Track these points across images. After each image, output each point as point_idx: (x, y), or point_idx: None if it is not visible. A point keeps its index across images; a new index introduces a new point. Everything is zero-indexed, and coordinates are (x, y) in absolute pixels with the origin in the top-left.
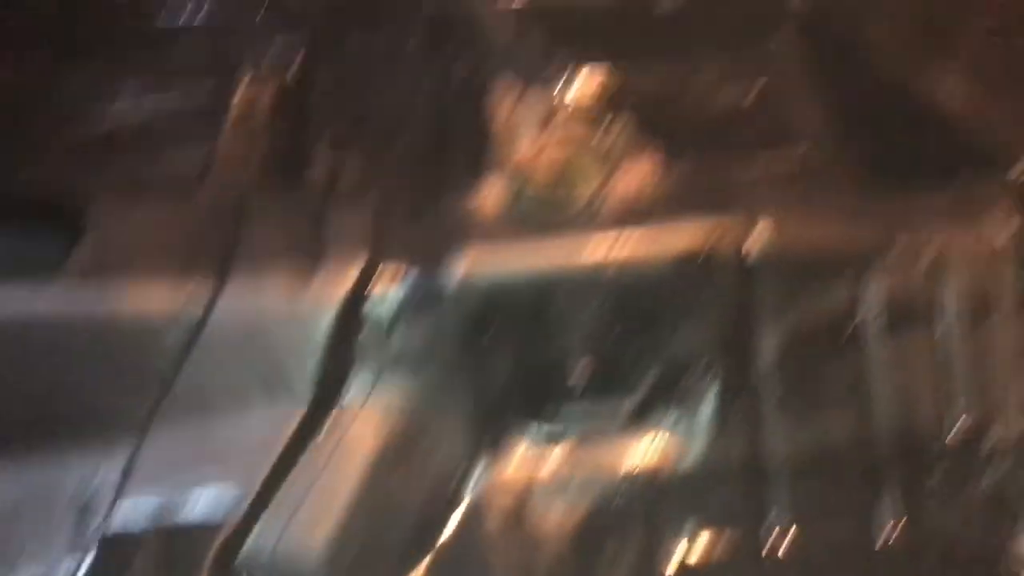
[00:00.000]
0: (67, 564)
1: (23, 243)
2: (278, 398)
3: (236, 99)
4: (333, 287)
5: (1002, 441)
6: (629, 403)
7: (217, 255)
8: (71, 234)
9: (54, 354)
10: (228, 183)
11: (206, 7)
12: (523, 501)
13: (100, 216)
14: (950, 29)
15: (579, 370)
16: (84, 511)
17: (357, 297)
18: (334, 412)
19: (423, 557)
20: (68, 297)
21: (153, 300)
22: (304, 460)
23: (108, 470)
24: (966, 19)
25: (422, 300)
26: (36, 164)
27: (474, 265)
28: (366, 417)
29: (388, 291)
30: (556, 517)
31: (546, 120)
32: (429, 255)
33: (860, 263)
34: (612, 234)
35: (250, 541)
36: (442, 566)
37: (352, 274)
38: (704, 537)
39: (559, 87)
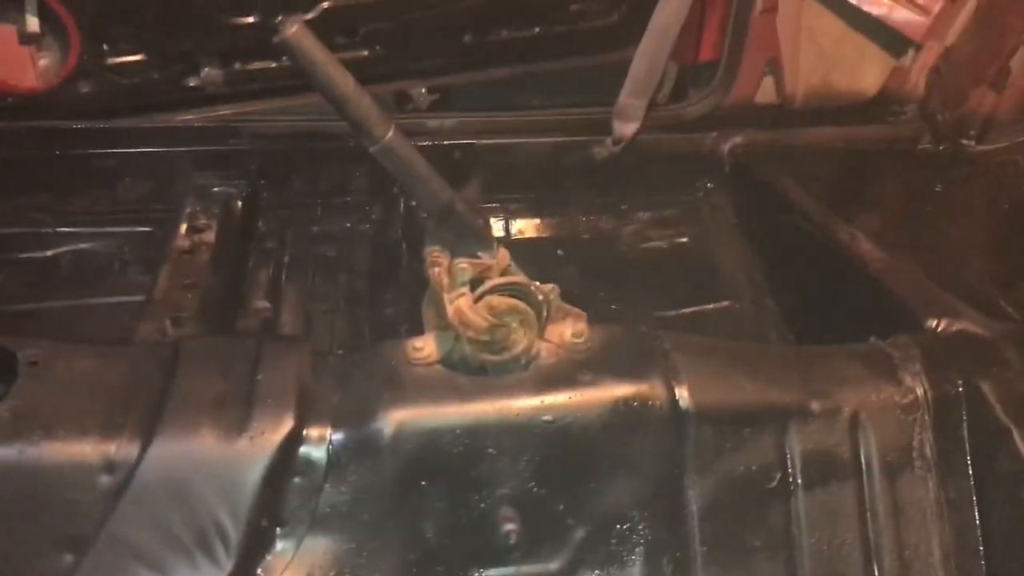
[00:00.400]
0: None
1: None
2: (205, 553)
3: (175, 244)
4: (262, 444)
5: None
6: (557, 563)
7: (147, 408)
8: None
9: None
10: (162, 332)
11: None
12: None
13: (29, 365)
14: (868, 187)
15: (505, 529)
16: None
17: (285, 456)
18: (266, 561)
19: None
20: None
21: (76, 456)
22: None
23: None
24: (883, 177)
25: (350, 458)
26: None
27: (404, 421)
28: (297, 570)
29: (316, 449)
30: None
31: (480, 275)
32: (359, 413)
33: (782, 418)
34: (541, 391)
35: None
36: None
37: (281, 431)
38: None
39: (494, 237)
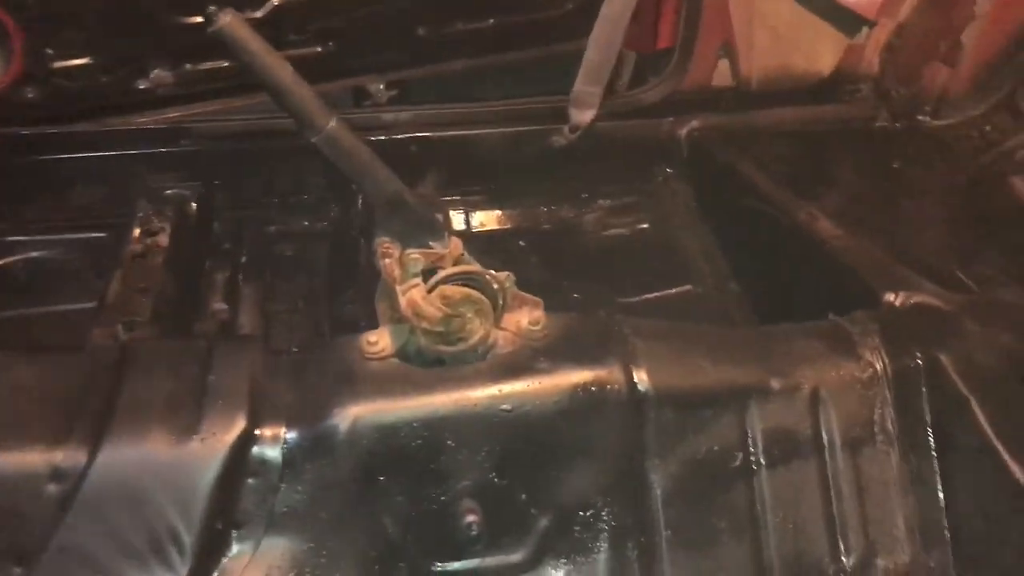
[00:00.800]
0: None
1: None
2: (159, 558)
3: (128, 248)
4: (213, 446)
5: (890, 572)
6: (521, 554)
7: (95, 414)
8: None
9: None
10: (114, 337)
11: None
12: None
13: None
14: (826, 167)
15: (467, 521)
16: None
17: (237, 456)
18: (223, 563)
19: None
20: None
21: (22, 466)
22: None
23: None
24: (840, 155)
25: (306, 456)
26: None
27: (360, 416)
28: (255, 570)
29: (270, 449)
30: None
31: (433, 265)
32: (313, 411)
33: (742, 398)
34: (498, 380)
35: None
36: None
37: (233, 432)
38: None
39: (446, 227)
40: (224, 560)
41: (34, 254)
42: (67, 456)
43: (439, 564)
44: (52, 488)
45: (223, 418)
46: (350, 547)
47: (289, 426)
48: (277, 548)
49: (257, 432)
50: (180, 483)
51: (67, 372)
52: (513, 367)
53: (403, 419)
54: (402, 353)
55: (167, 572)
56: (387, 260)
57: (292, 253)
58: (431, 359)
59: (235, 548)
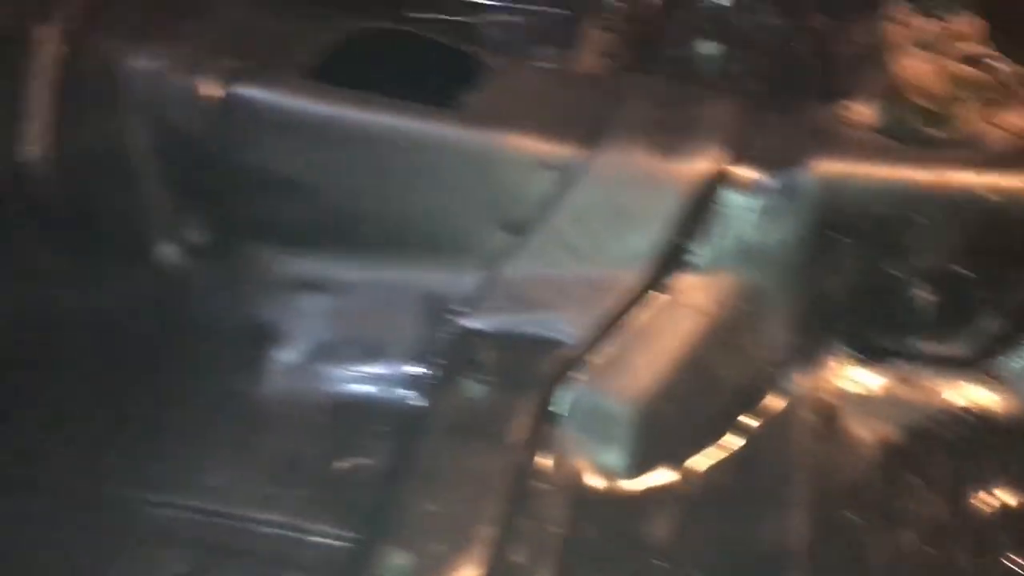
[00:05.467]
0: (421, 353)
1: (427, 75)
2: (628, 252)
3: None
4: (690, 172)
5: None
6: (961, 349)
7: (592, 122)
8: (468, 77)
9: (433, 175)
10: (608, 64)
11: None
12: (834, 409)
13: (492, 71)
14: None
15: (918, 301)
16: (439, 313)
17: (710, 184)
18: (674, 277)
19: (730, 434)
20: (457, 130)
21: (529, 150)
22: (640, 311)
23: (465, 283)
24: None
25: (770, 199)
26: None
27: (833, 173)
28: (701, 289)
29: (739, 185)
30: (864, 432)
31: (933, 46)
32: (785, 159)
33: None
34: (988, 169)
35: (579, 373)
36: (747, 447)
37: (711, 161)
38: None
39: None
40: (678, 274)
41: (507, 18)
42: (567, 151)
43: (874, 339)
44: (549, 175)
45: (704, 147)
46: (789, 296)
47: (761, 168)
48: (724, 277)
49: (731, 167)
50: (655, 195)
51: (568, 86)
52: (1005, 161)
53: (877, 185)
54: (884, 129)
55: (629, 268)
56: (893, 25)
57: None
58: (914, 138)
59: (689, 266)
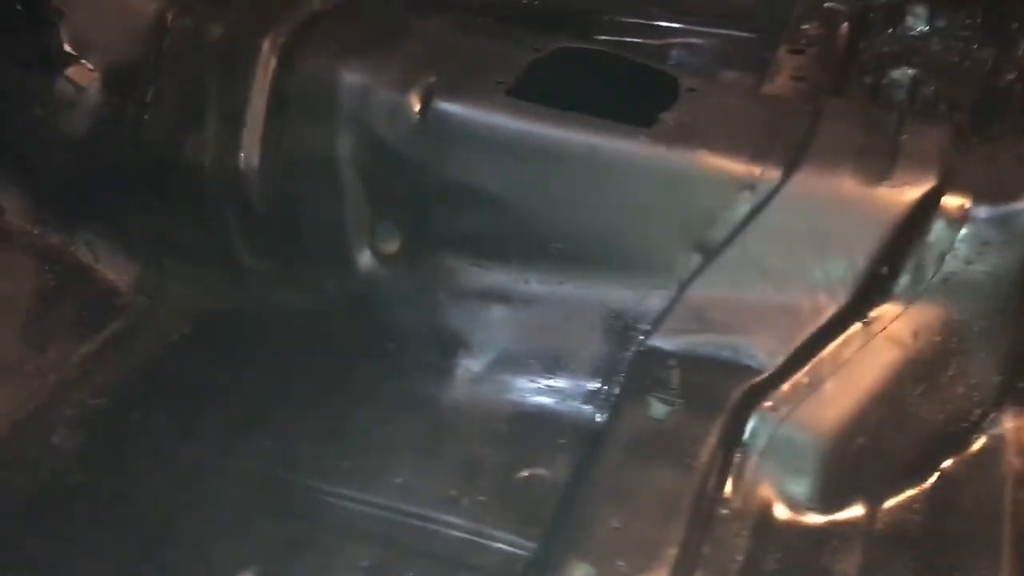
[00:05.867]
0: (603, 369)
1: (623, 94)
2: (827, 280)
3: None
4: (897, 198)
5: None
6: None
7: (791, 145)
8: (663, 97)
9: (627, 192)
10: (801, 87)
11: None
12: None
13: (688, 91)
14: None
15: None
16: (623, 330)
17: (920, 212)
18: (876, 308)
19: (928, 475)
20: (653, 148)
21: (725, 169)
22: (838, 342)
23: (652, 301)
24: None
25: (985, 233)
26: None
27: None
28: (905, 322)
29: (951, 215)
30: None
31: None
32: (1003, 191)
33: None
34: None
35: (769, 400)
36: (945, 489)
37: (922, 187)
38: None
39: None
40: (881, 305)
41: (691, 40)
42: (764, 172)
43: None
44: (746, 195)
45: (914, 173)
46: (994, 333)
47: (976, 199)
48: (930, 311)
49: (943, 195)
50: (860, 220)
51: (765, 107)
52: None
53: None
54: None
55: (827, 296)
56: None
57: None
58: None
59: (892, 297)
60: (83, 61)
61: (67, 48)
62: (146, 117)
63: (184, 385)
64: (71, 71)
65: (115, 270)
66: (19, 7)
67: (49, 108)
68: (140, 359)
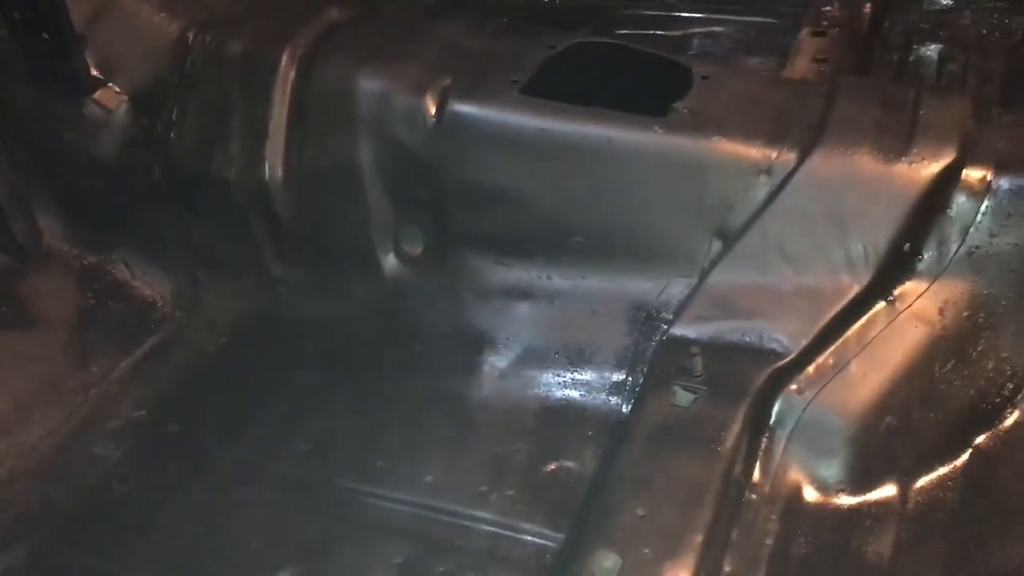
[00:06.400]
0: (627, 360)
1: (639, 87)
2: (848, 260)
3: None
4: (916, 174)
5: None
6: None
7: (807, 127)
8: (679, 87)
9: (645, 183)
10: (823, 69)
11: None
12: None
13: (702, 79)
14: None
15: None
16: (646, 321)
17: (941, 187)
18: (899, 286)
19: (960, 452)
20: (668, 138)
21: (741, 155)
22: (863, 322)
23: (673, 290)
24: None
25: (1008, 204)
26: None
27: None
28: (931, 299)
29: (973, 188)
30: None
31: None
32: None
33: None
34: None
35: (794, 383)
36: (979, 466)
37: (942, 161)
38: None
39: None
40: (905, 283)
41: (713, 28)
42: (780, 156)
43: None
44: (763, 180)
45: (933, 147)
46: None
47: (998, 170)
48: (956, 285)
49: (964, 168)
50: (880, 198)
51: (780, 91)
52: None
53: None
54: None
55: (850, 276)
56: None
57: None
58: None
59: (917, 274)
60: (110, 84)
61: (94, 73)
62: (172, 135)
63: (221, 395)
64: (99, 95)
65: (151, 286)
66: (45, 36)
67: (80, 132)
68: (178, 371)
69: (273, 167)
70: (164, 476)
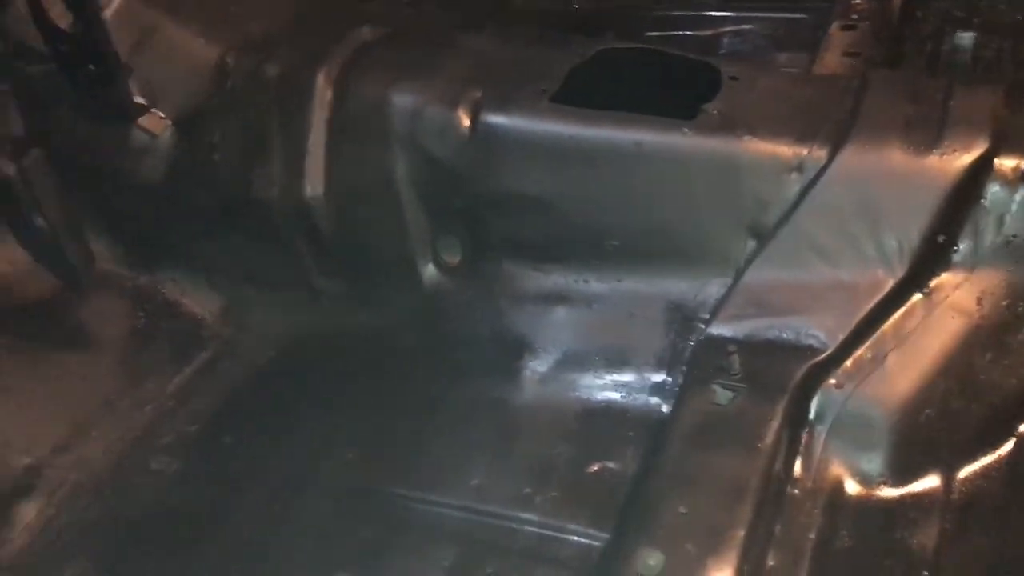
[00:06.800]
0: (666, 360)
1: (670, 90)
2: (882, 253)
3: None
4: (948, 166)
5: None
6: None
7: (838, 122)
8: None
9: (677, 184)
10: (854, 63)
11: None
12: None
13: (731, 79)
14: None
15: None
16: (683, 321)
17: (973, 178)
18: (935, 278)
19: (1003, 441)
20: (699, 139)
21: (771, 152)
22: (899, 314)
23: (710, 290)
24: None
25: None
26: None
27: None
28: (968, 289)
29: (1006, 178)
30: None
31: None
32: None
33: None
34: None
35: (833, 377)
36: (1022, 456)
37: (973, 152)
38: None
39: None
40: (940, 275)
41: (743, 27)
42: (811, 152)
43: None
44: (794, 177)
45: (964, 139)
46: None
47: None
48: (994, 275)
49: (996, 159)
50: (911, 191)
51: (809, 87)
52: None
53: None
54: None
55: (884, 269)
56: None
57: None
58: None
59: (952, 265)
60: (154, 110)
61: (138, 100)
62: (215, 157)
63: (272, 407)
64: (143, 121)
65: (200, 304)
66: (91, 67)
67: (127, 157)
68: (229, 385)
69: (313, 185)
70: (219, 487)
